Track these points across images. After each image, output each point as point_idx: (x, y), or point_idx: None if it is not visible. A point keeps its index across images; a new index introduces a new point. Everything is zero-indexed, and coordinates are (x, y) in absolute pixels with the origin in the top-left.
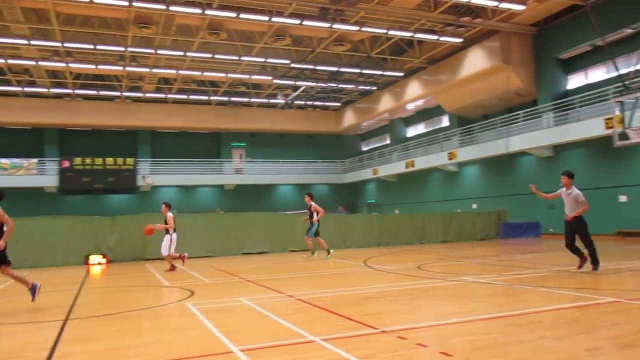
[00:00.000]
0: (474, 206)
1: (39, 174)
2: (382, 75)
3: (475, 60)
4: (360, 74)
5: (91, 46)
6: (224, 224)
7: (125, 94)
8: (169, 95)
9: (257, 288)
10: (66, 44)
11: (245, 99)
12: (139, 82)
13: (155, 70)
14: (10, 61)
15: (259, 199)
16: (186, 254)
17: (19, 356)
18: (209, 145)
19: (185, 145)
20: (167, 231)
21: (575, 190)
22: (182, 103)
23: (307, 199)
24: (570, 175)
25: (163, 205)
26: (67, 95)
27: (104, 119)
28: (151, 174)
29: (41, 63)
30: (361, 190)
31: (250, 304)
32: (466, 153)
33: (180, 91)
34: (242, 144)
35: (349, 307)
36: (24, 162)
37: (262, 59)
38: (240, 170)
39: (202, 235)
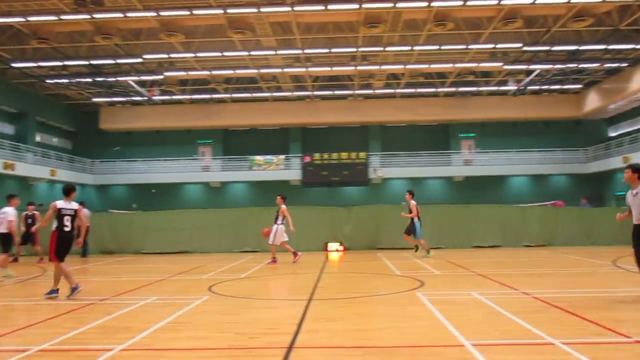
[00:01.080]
0: None
1: (285, 168)
2: (635, 49)
3: None
4: (606, 50)
5: (326, 50)
6: (454, 216)
7: (357, 92)
8: (398, 90)
9: (488, 282)
10: (306, 51)
11: (474, 88)
12: (369, 79)
13: (384, 67)
14: (261, 70)
15: (490, 191)
16: (299, 254)
17: (274, 327)
18: (437, 137)
19: (413, 138)
20: (275, 221)
21: None
22: (410, 97)
23: (407, 196)
24: (636, 169)
25: (278, 197)
26: (307, 97)
27: (339, 117)
28: (381, 167)
29: (286, 70)
30: (608, 181)
31: (481, 298)
32: None
33: (408, 85)
34: (472, 135)
35: (594, 311)
36: (274, 158)
37: (491, 45)
38: (469, 162)
39: (431, 227)
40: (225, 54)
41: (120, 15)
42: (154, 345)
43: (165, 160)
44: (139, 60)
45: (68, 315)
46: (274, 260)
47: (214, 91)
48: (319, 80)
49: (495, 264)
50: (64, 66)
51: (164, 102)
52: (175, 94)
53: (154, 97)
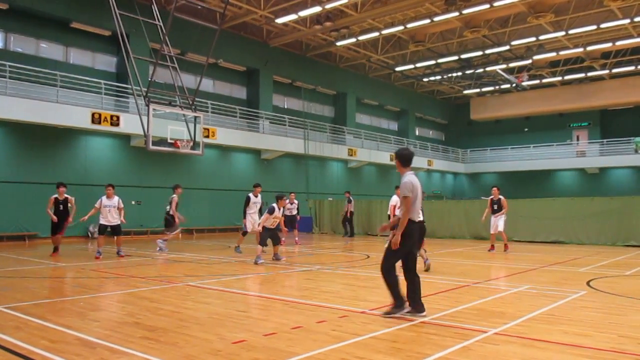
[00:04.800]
0: None
1: None
2: None
3: None
4: None
5: None
6: None
7: None
8: None
9: None
10: None
11: None
12: None
13: None
14: None
15: None
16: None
17: None
18: None
19: None
20: None
21: None
22: None
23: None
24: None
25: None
26: None
27: None
28: None
29: None
30: None
31: None
32: None
33: None
34: None
35: None
36: None
37: None
38: None
39: None
40: (603, 25)
41: (487, 6)
42: (528, 334)
43: (535, 146)
44: (506, 47)
45: (445, 294)
46: None
47: (590, 69)
48: None
49: None
50: (437, 64)
51: (532, 87)
52: (544, 77)
53: (522, 83)
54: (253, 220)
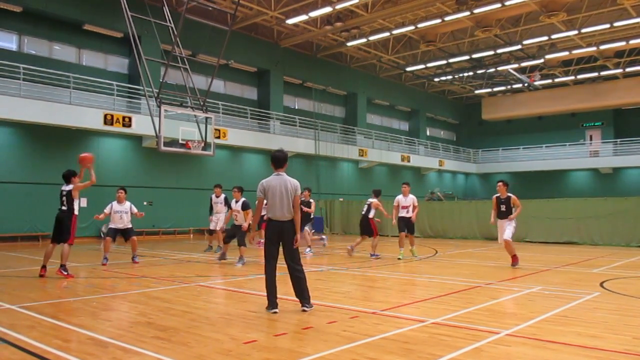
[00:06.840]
0: None
1: None
2: None
3: None
4: None
5: None
6: None
7: None
8: None
9: None
10: None
11: None
12: None
13: None
14: None
15: None
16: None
17: None
18: None
19: None
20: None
21: None
22: None
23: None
24: None
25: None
26: None
27: None
28: None
29: None
30: None
31: None
32: None
33: None
34: None
35: None
36: None
37: None
38: None
39: None
40: (616, 24)
41: (498, 5)
42: (540, 335)
43: (548, 146)
44: (518, 47)
45: (457, 294)
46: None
47: (603, 68)
48: None
49: None
50: (448, 64)
51: (544, 87)
52: (557, 77)
53: (534, 83)
54: (217, 220)
